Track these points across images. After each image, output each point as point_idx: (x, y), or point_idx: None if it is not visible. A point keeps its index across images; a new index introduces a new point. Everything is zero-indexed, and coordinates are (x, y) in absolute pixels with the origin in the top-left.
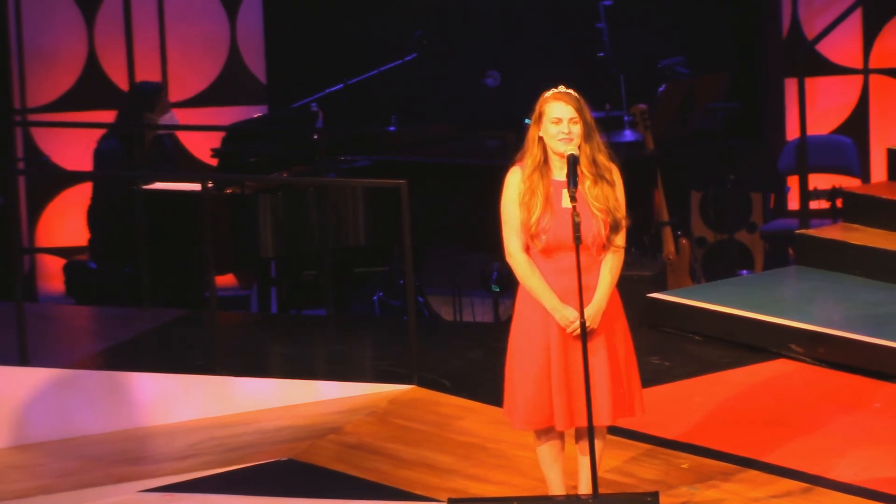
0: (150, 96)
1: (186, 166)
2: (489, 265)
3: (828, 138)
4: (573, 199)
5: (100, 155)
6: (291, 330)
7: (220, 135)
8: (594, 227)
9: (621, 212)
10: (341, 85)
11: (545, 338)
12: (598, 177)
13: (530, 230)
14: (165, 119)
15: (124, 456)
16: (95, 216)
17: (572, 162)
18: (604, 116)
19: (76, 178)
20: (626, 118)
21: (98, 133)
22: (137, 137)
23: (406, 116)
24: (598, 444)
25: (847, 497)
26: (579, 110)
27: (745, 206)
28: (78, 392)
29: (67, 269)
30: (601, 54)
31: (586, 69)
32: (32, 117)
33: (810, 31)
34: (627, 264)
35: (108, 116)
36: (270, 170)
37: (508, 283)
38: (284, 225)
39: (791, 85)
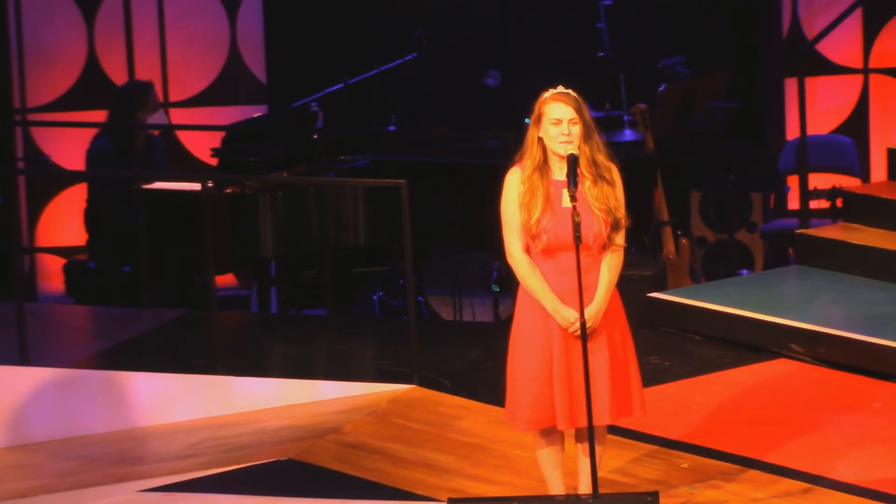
0: (137, 95)
1: (186, 166)
2: (489, 265)
3: (828, 138)
4: (573, 198)
5: (91, 154)
6: (291, 330)
7: (220, 135)
8: (595, 226)
9: (621, 211)
10: (341, 85)
11: (546, 338)
12: (598, 177)
13: (531, 230)
14: (155, 118)
15: (124, 456)
16: (91, 216)
17: (572, 162)
18: (604, 116)
19: (76, 178)
20: (626, 118)
21: (93, 133)
22: (130, 136)
23: (406, 116)
24: (598, 443)
25: (847, 497)
26: (578, 111)
27: (745, 206)
28: (78, 392)
29: (67, 269)
30: (601, 54)
31: (586, 69)
32: (32, 117)
33: (810, 31)
34: (627, 264)
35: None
36: (270, 170)
37: (508, 282)
38: (284, 225)
39: (791, 85)
